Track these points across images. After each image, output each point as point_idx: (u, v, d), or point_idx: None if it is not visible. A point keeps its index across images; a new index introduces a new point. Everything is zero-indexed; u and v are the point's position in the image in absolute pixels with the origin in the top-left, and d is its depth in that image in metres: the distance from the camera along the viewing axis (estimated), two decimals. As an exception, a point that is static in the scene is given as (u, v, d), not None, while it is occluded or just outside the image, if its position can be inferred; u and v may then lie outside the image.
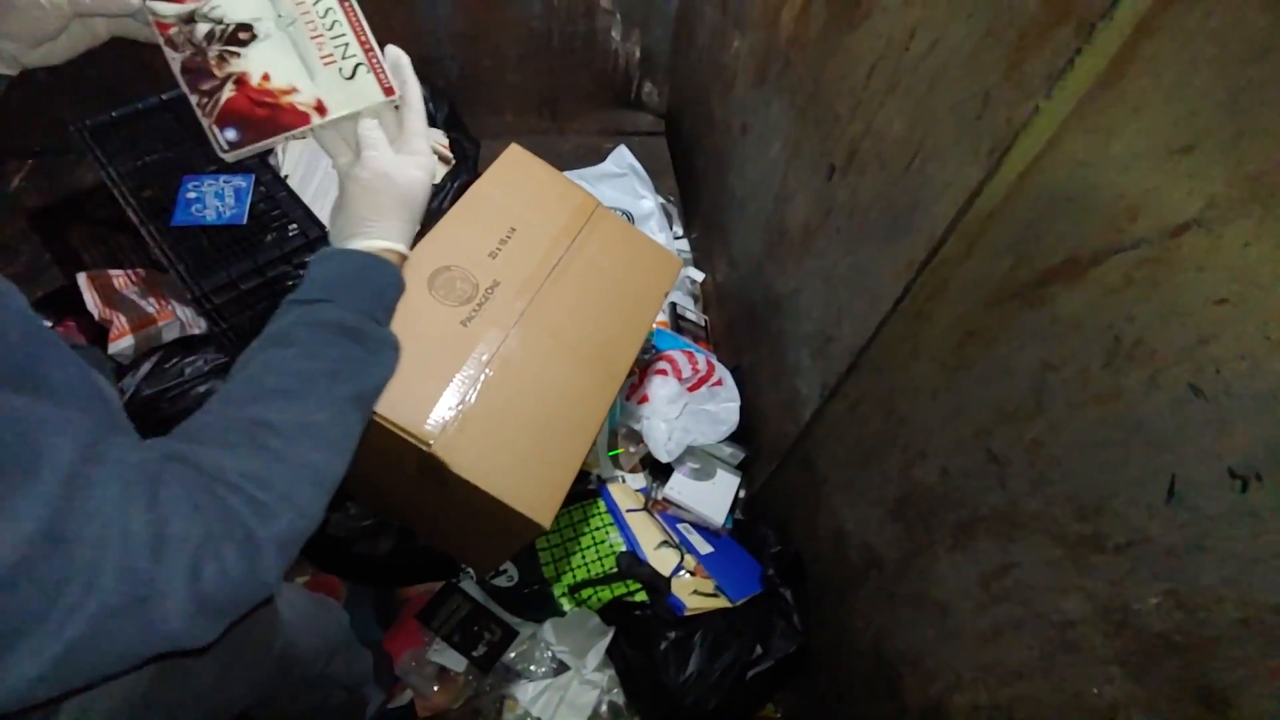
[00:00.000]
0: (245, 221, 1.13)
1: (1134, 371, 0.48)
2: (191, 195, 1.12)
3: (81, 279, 1.21)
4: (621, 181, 1.57)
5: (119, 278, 1.21)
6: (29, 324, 0.41)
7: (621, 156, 1.58)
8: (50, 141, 1.26)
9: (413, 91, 0.57)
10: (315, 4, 0.57)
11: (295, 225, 1.16)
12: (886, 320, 0.77)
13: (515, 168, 1.01)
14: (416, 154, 0.57)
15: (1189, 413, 0.44)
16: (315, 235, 1.16)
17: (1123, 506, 0.50)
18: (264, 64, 0.57)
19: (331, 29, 0.56)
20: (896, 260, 0.74)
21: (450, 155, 1.47)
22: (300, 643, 0.77)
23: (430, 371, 0.79)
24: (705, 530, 1.20)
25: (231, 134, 0.55)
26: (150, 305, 1.21)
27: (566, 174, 1.57)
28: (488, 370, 0.82)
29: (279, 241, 1.13)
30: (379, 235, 0.55)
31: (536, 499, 0.78)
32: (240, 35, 0.56)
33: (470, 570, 1.12)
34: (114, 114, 1.22)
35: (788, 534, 1.12)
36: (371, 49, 0.57)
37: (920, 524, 0.76)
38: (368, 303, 0.53)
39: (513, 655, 1.07)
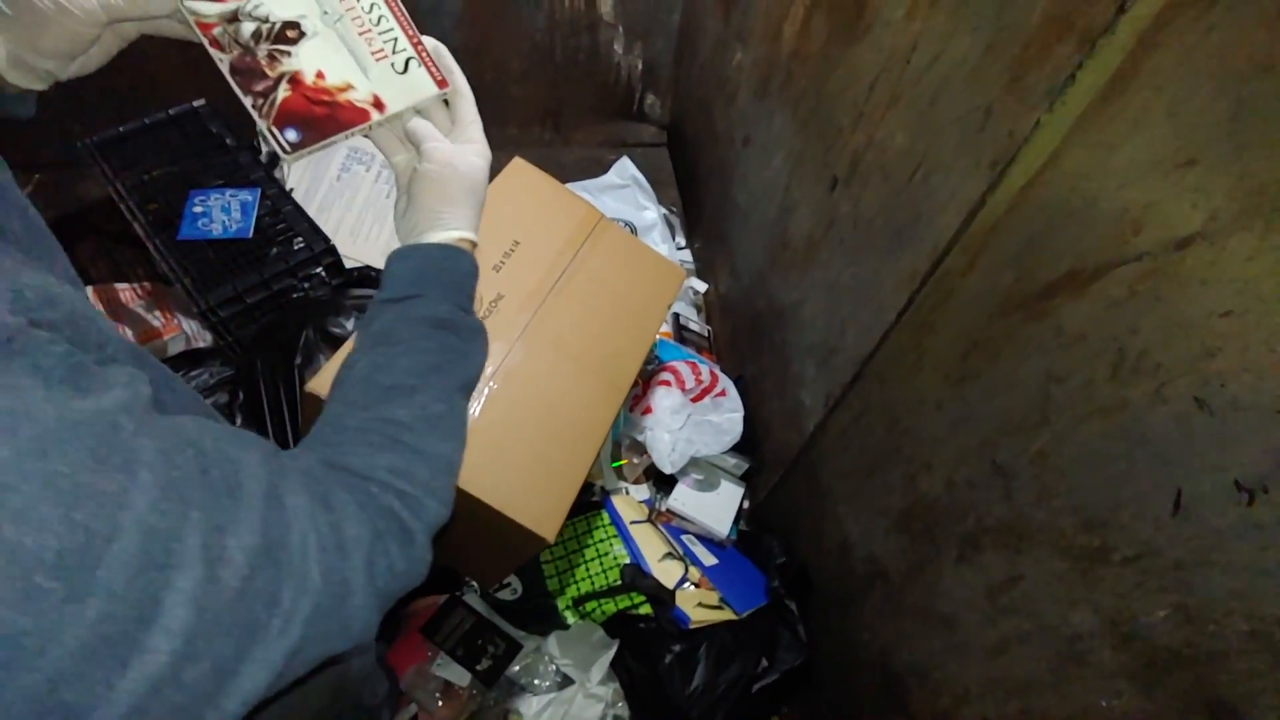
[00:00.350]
0: (251, 235, 1.14)
1: (1139, 384, 0.48)
2: (198, 209, 1.13)
3: (88, 292, 1.22)
4: (624, 193, 1.57)
5: (125, 291, 1.22)
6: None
7: (624, 168, 1.59)
8: (57, 155, 1.27)
9: (459, 80, 0.58)
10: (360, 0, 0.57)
11: (300, 239, 1.17)
12: (890, 331, 0.77)
13: (518, 181, 1.02)
14: (473, 141, 0.58)
15: (1194, 425, 0.44)
16: (320, 248, 1.17)
17: (1129, 519, 0.50)
18: (317, 61, 0.56)
19: (379, 24, 0.56)
20: (900, 271, 0.74)
21: (454, 168, 1.48)
22: (353, 663, 0.76)
23: (435, 384, 0.79)
24: (709, 542, 1.20)
25: (292, 134, 0.54)
26: (156, 319, 1.22)
27: (570, 185, 1.59)
28: (491, 383, 0.82)
29: (284, 255, 1.14)
30: (452, 225, 0.57)
31: (540, 512, 0.78)
32: (288, 33, 0.56)
33: (474, 584, 1.12)
34: (121, 129, 1.23)
35: (793, 545, 1.12)
36: (419, 42, 0.57)
37: (926, 536, 0.75)
38: (454, 293, 0.56)
39: (517, 669, 1.06)
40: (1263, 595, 0.42)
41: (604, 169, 1.61)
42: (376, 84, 0.56)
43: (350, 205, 1.40)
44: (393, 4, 0.57)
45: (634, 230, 1.54)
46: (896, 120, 0.74)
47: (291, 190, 1.36)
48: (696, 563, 1.13)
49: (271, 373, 1.10)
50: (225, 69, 0.53)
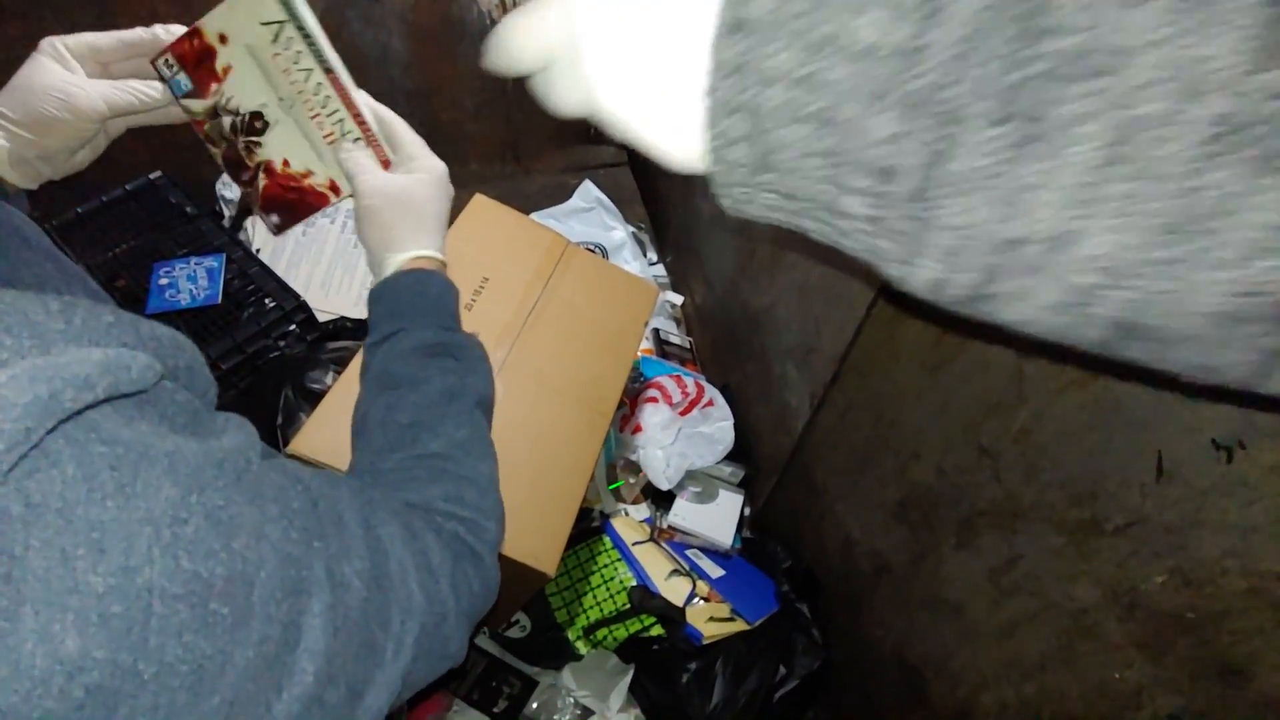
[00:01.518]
0: (220, 300, 1.13)
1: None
2: (164, 281, 1.12)
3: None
4: (590, 215, 1.58)
5: (99, 372, 1.21)
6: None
7: (588, 191, 1.60)
8: (19, 244, 1.27)
9: (385, 113, 0.59)
10: (308, 81, 0.57)
11: (271, 299, 1.17)
12: (863, 326, 0.77)
13: (481, 218, 1.02)
14: (414, 159, 0.59)
15: (1163, 389, 0.45)
16: (292, 305, 1.16)
17: (1115, 488, 0.50)
18: (281, 149, 0.59)
19: (326, 105, 0.57)
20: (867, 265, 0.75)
21: (418, 210, 1.48)
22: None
23: (417, 431, 0.78)
24: (714, 554, 1.19)
25: (275, 219, 0.60)
26: (133, 395, 1.21)
27: (536, 214, 1.59)
28: (475, 423, 0.82)
29: (256, 316, 1.14)
30: (403, 248, 0.57)
31: (538, 547, 0.77)
32: (256, 124, 0.59)
33: (482, 626, 1.10)
34: (80, 209, 1.23)
35: (797, 548, 1.11)
36: (364, 120, 0.58)
37: (924, 524, 0.75)
38: (433, 316, 0.55)
39: (534, 706, 1.05)
40: (1256, 552, 0.42)
41: (568, 194, 1.62)
42: (330, 168, 0.59)
43: (319, 259, 1.40)
44: (336, 84, 0.57)
45: (604, 251, 1.54)
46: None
47: (258, 250, 1.35)
48: (704, 576, 1.12)
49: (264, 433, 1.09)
50: (220, 162, 0.57)
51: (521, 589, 0.92)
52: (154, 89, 0.56)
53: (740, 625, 1.06)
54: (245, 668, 0.28)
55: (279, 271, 1.30)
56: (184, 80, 0.57)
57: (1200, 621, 0.46)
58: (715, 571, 1.14)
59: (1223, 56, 0.15)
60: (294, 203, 0.59)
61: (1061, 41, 0.17)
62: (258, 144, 0.58)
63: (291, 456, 0.74)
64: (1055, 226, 0.19)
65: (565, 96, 0.29)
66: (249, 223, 1.37)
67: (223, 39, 0.57)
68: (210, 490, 0.29)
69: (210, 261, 1.16)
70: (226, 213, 1.38)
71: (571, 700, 1.06)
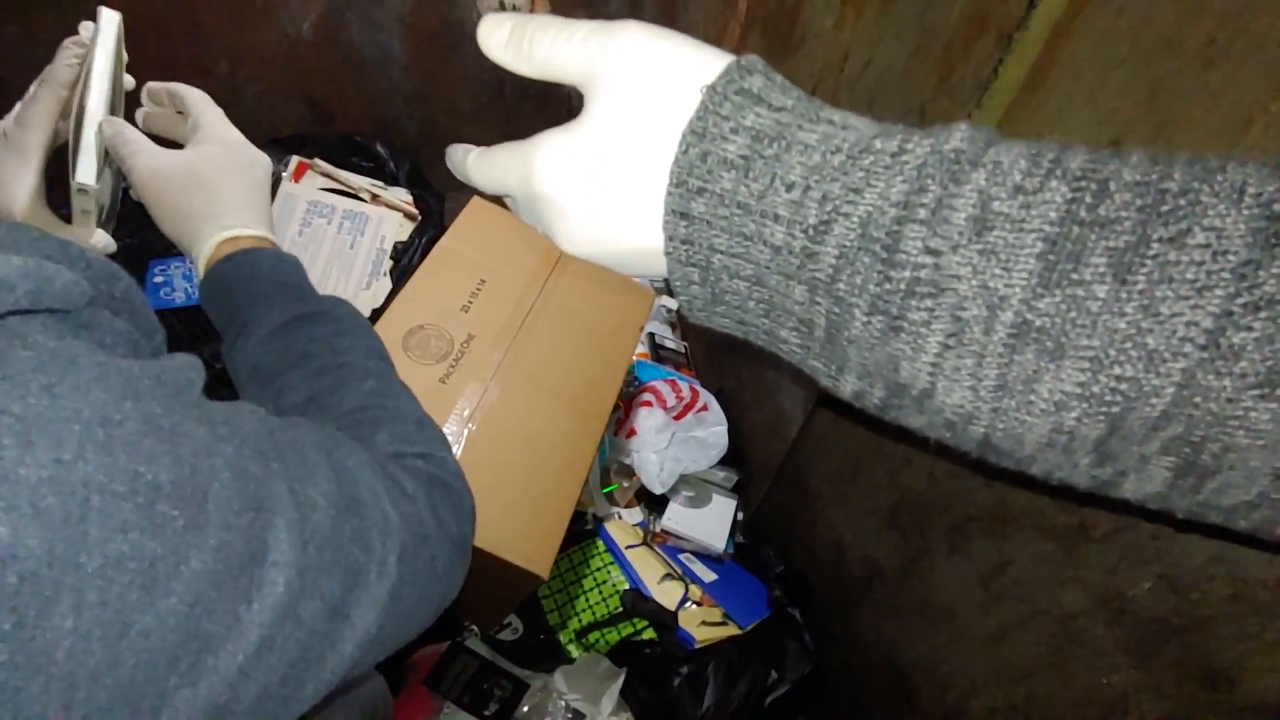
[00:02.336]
0: (215, 300, 1.13)
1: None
2: (159, 279, 1.12)
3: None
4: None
5: (92, 370, 1.20)
6: None
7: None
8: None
9: (176, 87, 0.57)
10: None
11: (266, 299, 1.16)
12: (857, 332, 0.78)
13: (479, 220, 1.02)
14: (199, 130, 0.53)
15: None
16: (286, 306, 1.16)
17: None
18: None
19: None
20: (859, 273, 0.75)
21: (415, 212, 1.48)
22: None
23: (412, 432, 0.79)
24: (707, 558, 1.19)
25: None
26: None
27: (532, 218, 1.60)
28: (470, 425, 0.82)
29: (251, 316, 1.13)
30: (204, 234, 0.50)
31: (532, 549, 0.77)
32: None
33: (474, 628, 1.10)
34: (75, 208, 1.22)
35: (789, 553, 1.12)
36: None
37: (915, 530, 0.76)
38: (276, 295, 0.50)
39: (526, 709, 1.05)
40: (1238, 558, 0.43)
41: (565, 198, 1.62)
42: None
43: (315, 259, 1.40)
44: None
45: (601, 255, 1.55)
46: (839, 126, 0.75)
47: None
48: (696, 580, 1.13)
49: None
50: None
51: (514, 590, 0.92)
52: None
53: (732, 629, 1.07)
54: (203, 572, 0.28)
55: (274, 271, 1.30)
56: None
57: (1186, 627, 0.47)
58: (708, 576, 1.14)
59: (1016, 285, 0.23)
60: None
61: (908, 272, 0.24)
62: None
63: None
64: (921, 383, 0.25)
65: (524, 218, 0.35)
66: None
67: None
68: (147, 399, 0.28)
69: (206, 260, 1.16)
70: (222, 212, 1.37)
71: (563, 704, 1.06)
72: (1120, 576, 0.51)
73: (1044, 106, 0.49)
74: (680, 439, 1.23)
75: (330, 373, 0.47)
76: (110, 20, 0.57)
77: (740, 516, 1.26)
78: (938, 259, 0.24)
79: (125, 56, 0.60)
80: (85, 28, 0.57)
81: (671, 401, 1.27)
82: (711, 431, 1.24)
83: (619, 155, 0.29)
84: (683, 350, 1.48)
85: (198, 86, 1.41)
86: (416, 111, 1.53)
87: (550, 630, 1.08)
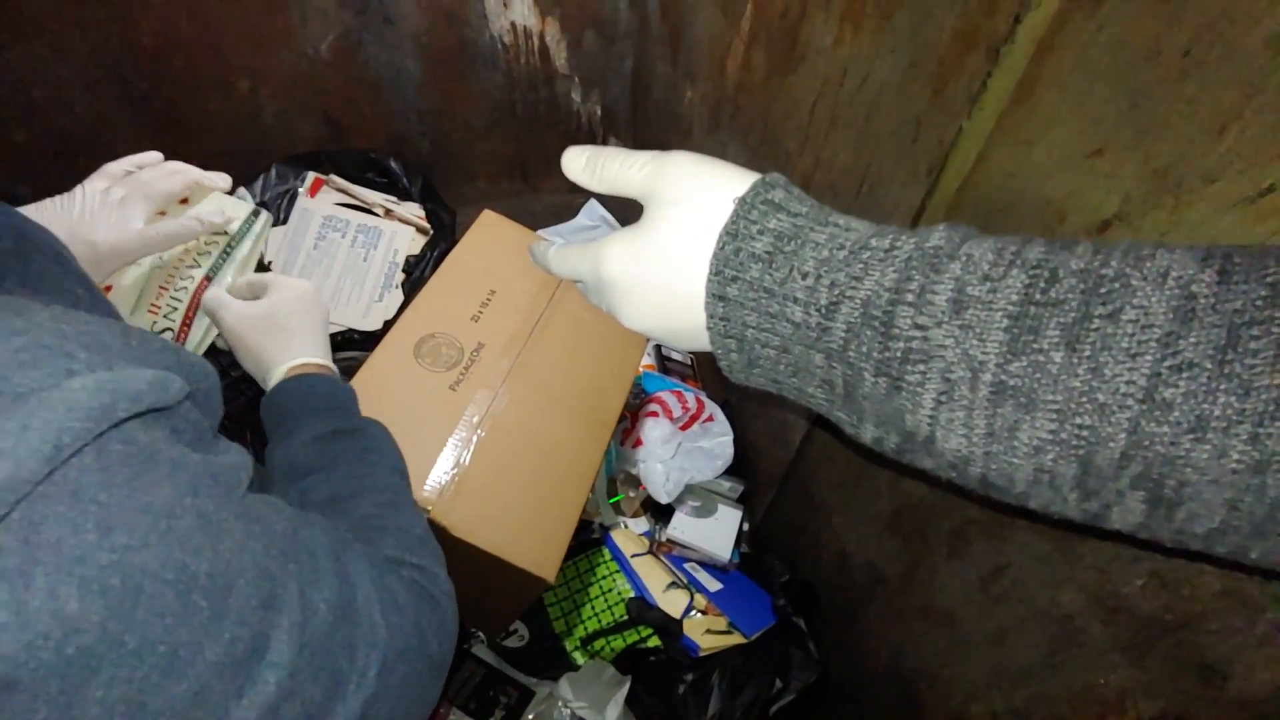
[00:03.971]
0: (232, 311, 1.16)
1: (1086, 363, 0.50)
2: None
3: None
4: (596, 233, 1.61)
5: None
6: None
7: (593, 209, 1.63)
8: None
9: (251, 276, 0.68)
10: (187, 268, 0.68)
11: (281, 309, 1.19)
12: (858, 340, 0.79)
13: (489, 233, 1.05)
14: (270, 286, 0.64)
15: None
16: (301, 317, 1.18)
17: (1097, 494, 0.52)
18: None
19: (177, 292, 0.68)
20: (859, 281, 0.77)
21: (428, 226, 1.52)
22: None
23: (423, 438, 0.80)
24: (712, 567, 1.20)
25: None
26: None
27: (542, 231, 1.62)
28: (480, 431, 0.84)
29: (267, 327, 1.16)
30: (276, 363, 0.59)
31: (539, 554, 0.78)
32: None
33: (480, 634, 1.11)
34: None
35: (795, 561, 1.12)
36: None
37: (917, 535, 0.77)
38: (326, 412, 0.57)
39: (531, 716, 1.05)
40: (1228, 552, 0.44)
41: (574, 213, 1.65)
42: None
43: (329, 272, 1.43)
44: (198, 293, 0.67)
45: (609, 269, 1.57)
46: (838, 140, 0.78)
47: (269, 264, 1.39)
48: (701, 589, 1.13)
49: (263, 444, 1.11)
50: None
51: (520, 596, 0.93)
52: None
53: (737, 638, 1.07)
54: (214, 663, 0.30)
55: (290, 283, 1.33)
56: None
57: (1178, 623, 0.47)
58: (713, 585, 1.15)
59: (990, 352, 0.28)
60: None
61: (902, 343, 0.30)
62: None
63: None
64: (923, 432, 0.30)
65: (591, 299, 0.43)
66: (262, 236, 1.40)
67: (182, 201, 0.69)
68: (204, 496, 0.32)
69: (224, 272, 1.19)
70: (241, 226, 1.41)
71: (568, 711, 1.06)
72: (1114, 575, 0.51)
73: (1032, 117, 0.51)
74: (686, 449, 1.24)
75: (354, 480, 0.52)
76: (265, 222, 0.64)
77: (746, 526, 1.26)
78: (925, 333, 0.29)
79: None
80: (232, 205, 0.68)
81: (678, 412, 1.28)
82: (717, 442, 1.25)
83: (670, 252, 0.36)
84: (689, 362, 1.49)
85: (218, 105, 1.45)
86: (430, 129, 1.57)
87: (556, 637, 1.09)
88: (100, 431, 0.28)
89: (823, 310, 0.32)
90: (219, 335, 0.63)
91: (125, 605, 0.27)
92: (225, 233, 0.69)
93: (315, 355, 0.61)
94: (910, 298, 0.29)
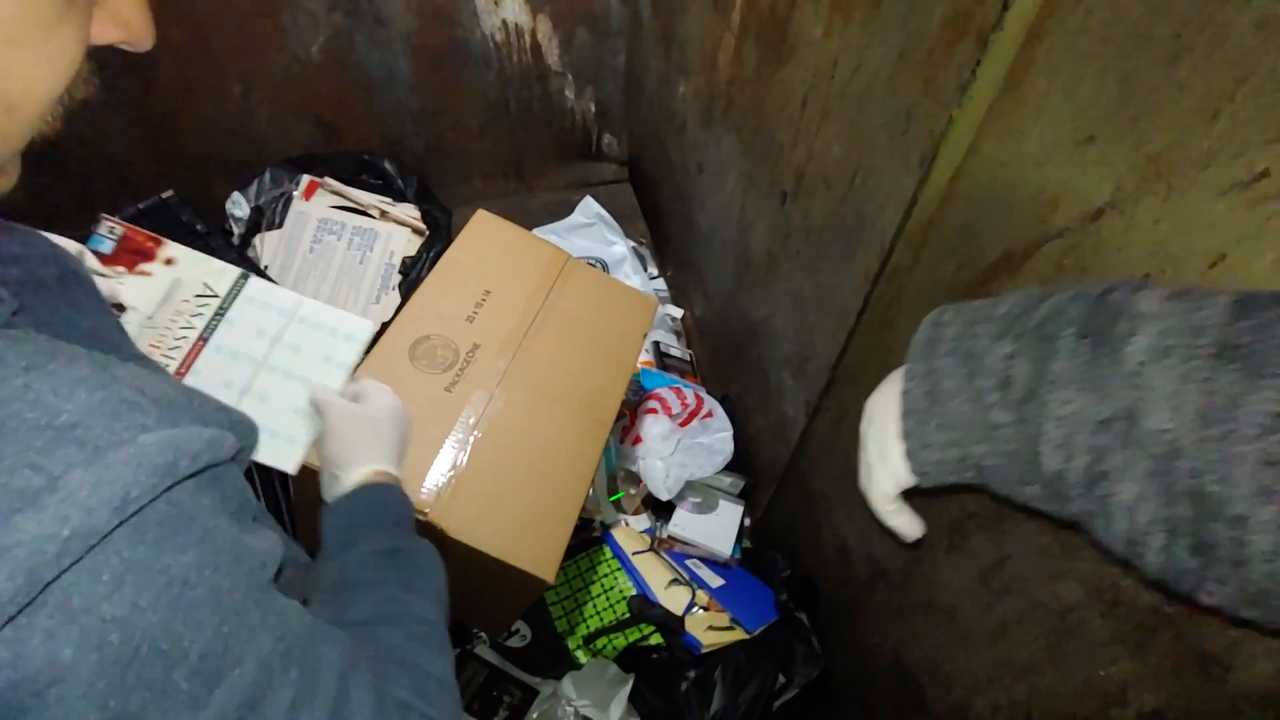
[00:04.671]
0: (229, 316, 1.16)
1: (1081, 353, 0.49)
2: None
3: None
4: (591, 230, 1.61)
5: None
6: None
7: (588, 207, 1.63)
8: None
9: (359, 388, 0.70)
10: (177, 332, 0.69)
11: (278, 313, 1.19)
12: (853, 333, 0.79)
13: (484, 232, 1.04)
14: (367, 395, 0.67)
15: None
16: (298, 321, 1.18)
17: (1095, 485, 0.51)
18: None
19: (172, 348, 0.69)
20: (854, 274, 0.76)
21: (423, 227, 1.51)
22: None
23: (420, 440, 0.80)
24: (714, 563, 1.19)
25: None
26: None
27: (538, 229, 1.62)
28: (476, 432, 0.83)
29: (263, 331, 1.16)
30: (360, 462, 0.61)
31: (538, 554, 0.78)
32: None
33: (482, 635, 1.11)
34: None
35: (796, 556, 1.12)
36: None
37: (916, 529, 0.76)
38: (388, 526, 0.58)
39: (535, 716, 1.05)
40: (1226, 543, 0.43)
41: (570, 210, 1.65)
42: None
43: (325, 275, 1.43)
44: (193, 352, 0.68)
45: (605, 266, 1.57)
46: (831, 132, 0.77)
47: (266, 267, 1.39)
48: (703, 586, 1.13)
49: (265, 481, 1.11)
50: None
51: (521, 596, 0.93)
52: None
53: (739, 634, 1.07)
54: None
55: (287, 287, 1.33)
56: (108, 245, 0.68)
57: (1177, 615, 0.47)
58: (715, 581, 1.15)
59: (1212, 318, 0.27)
60: None
61: (1125, 324, 0.30)
62: None
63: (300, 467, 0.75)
64: (1124, 404, 0.28)
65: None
66: (257, 240, 1.40)
67: (168, 261, 0.69)
68: (222, 573, 0.31)
69: (220, 277, 1.18)
70: (236, 230, 1.41)
71: (572, 710, 1.06)
72: (1112, 566, 0.51)
73: (1022, 106, 0.50)
74: (686, 445, 1.23)
75: (394, 604, 0.52)
76: (260, 286, 0.73)
77: (747, 522, 1.26)
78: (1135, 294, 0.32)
79: None
80: (217, 274, 0.71)
81: (677, 409, 1.28)
82: (717, 438, 1.25)
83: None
84: (688, 358, 1.49)
85: (211, 111, 1.45)
86: (424, 129, 1.57)
87: (558, 636, 1.09)
88: (166, 487, 0.29)
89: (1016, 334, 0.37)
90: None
91: (118, 665, 0.27)
92: (215, 295, 0.70)
93: (393, 466, 0.63)
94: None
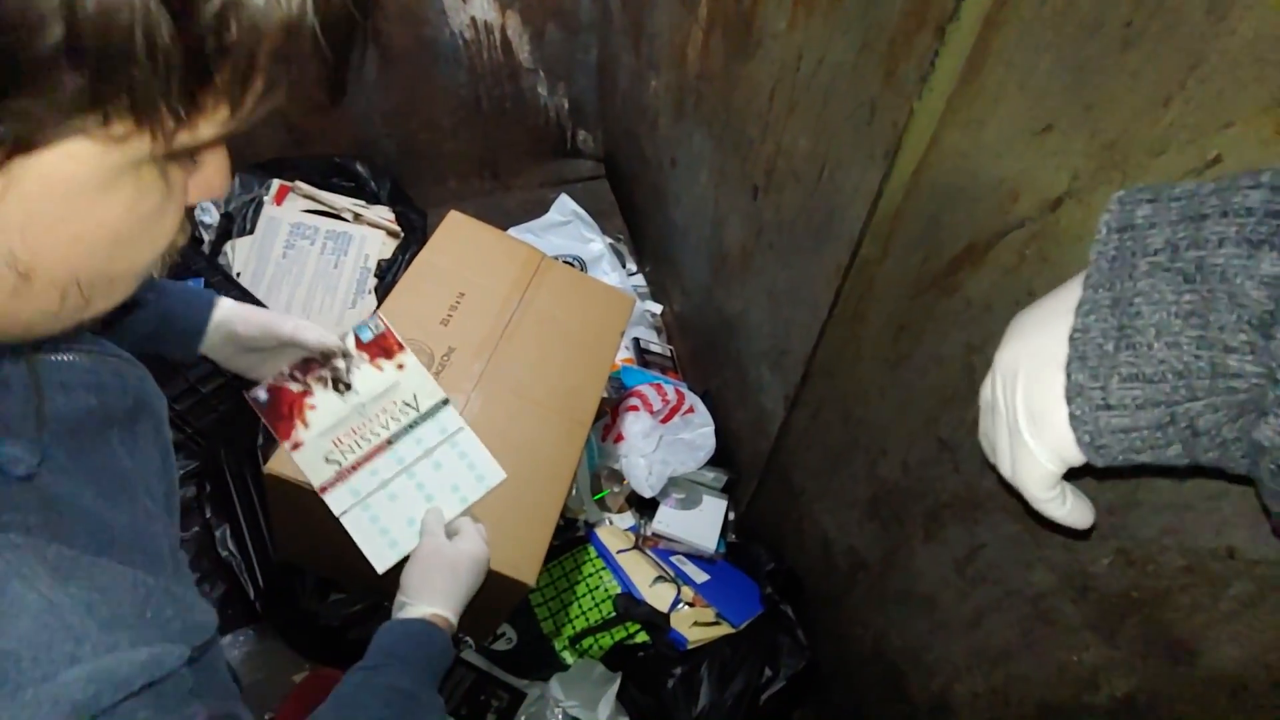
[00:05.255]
0: (200, 326, 1.14)
1: (1046, 342, 0.49)
2: (143, 308, 1.13)
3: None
4: (568, 229, 1.60)
5: (82, 400, 1.22)
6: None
7: (564, 205, 1.62)
8: None
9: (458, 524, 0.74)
10: (378, 428, 0.76)
11: (250, 322, 1.17)
12: (826, 326, 0.79)
13: (457, 233, 1.03)
14: (463, 536, 0.70)
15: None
16: (271, 328, 1.17)
17: (1062, 474, 0.51)
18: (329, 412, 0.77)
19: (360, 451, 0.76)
20: (825, 268, 0.76)
21: (398, 229, 1.50)
22: None
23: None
24: (699, 559, 1.19)
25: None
26: (116, 422, 1.21)
27: (514, 229, 1.61)
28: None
29: (236, 340, 1.14)
30: (427, 601, 0.63)
31: (519, 558, 0.78)
32: (339, 388, 0.77)
33: (468, 640, 1.11)
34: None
35: (780, 550, 1.12)
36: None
37: (894, 520, 0.76)
38: (420, 668, 0.59)
39: (523, 718, 1.05)
40: (1191, 529, 0.44)
41: (547, 209, 1.64)
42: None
43: (300, 280, 1.41)
44: (376, 450, 0.75)
45: (582, 264, 1.56)
46: (798, 125, 0.77)
47: (239, 274, 1.37)
48: (689, 582, 1.13)
49: (236, 460, 1.10)
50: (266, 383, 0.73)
51: (504, 601, 0.92)
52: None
53: (725, 629, 1.07)
54: None
55: (260, 294, 1.31)
56: (368, 335, 0.78)
57: (1145, 600, 0.47)
58: (700, 576, 1.15)
59: None
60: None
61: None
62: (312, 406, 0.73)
63: (269, 476, 0.74)
64: None
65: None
66: (229, 247, 1.38)
67: (400, 366, 0.79)
68: None
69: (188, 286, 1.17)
70: (206, 238, 1.39)
71: (560, 711, 1.06)
72: (1082, 553, 0.51)
73: (981, 95, 0.50)
74: (668, 442, 1.23)
75: None
76: (452, 415, 0.81)
77: (731, 517, 1.26)
78: None
79: None
80: (429, 390, 0.79)
81: (658, 405, 1.28)
82: (699, 433, 1.24)
83: None
84: (668, 353, 1.49)
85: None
86: (395, 130, 1.55)
87: (544, 638, 1.08)
88: None
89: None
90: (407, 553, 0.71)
91: None
92: (416, 409, 0.78)
93: (454, 612, 0.65)
94: None
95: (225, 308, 0.67)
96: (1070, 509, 0.38)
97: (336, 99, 0.30)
